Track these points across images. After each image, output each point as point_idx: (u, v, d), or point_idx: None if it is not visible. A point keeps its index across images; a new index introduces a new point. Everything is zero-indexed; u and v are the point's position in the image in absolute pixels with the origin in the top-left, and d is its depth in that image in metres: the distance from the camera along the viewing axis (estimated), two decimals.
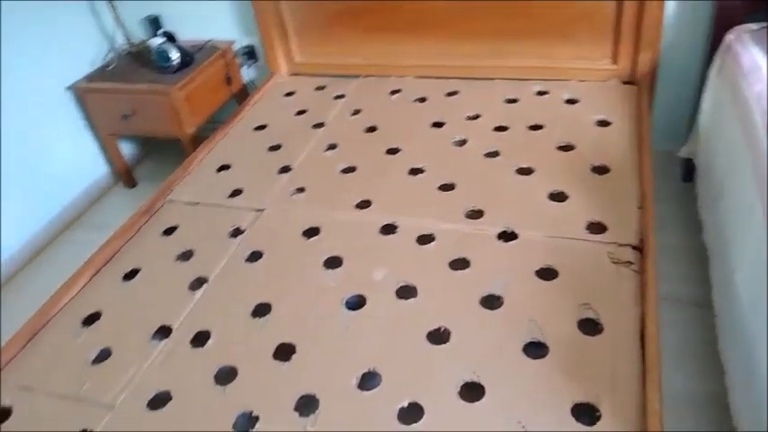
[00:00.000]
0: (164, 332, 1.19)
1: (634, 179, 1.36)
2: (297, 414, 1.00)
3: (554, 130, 1.57)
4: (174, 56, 1.89)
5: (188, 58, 1.94)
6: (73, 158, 2.12)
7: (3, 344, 1.22)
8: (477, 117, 1.69)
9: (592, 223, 1.27)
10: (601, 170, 1.42)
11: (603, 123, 1.58)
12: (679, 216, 1.72)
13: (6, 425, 1.07)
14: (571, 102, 1.69)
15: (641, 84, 1.71)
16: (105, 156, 2.21)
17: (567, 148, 1.51)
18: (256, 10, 1.95)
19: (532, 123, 1.61)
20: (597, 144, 1.50)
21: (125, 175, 2.21)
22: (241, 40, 2.13)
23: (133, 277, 1.34)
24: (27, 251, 1.97)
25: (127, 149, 2.27)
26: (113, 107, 1.98)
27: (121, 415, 1.05)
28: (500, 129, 1.62)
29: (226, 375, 1.09)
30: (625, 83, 1.73)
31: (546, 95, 1.73)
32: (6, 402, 1.11)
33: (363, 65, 1.97)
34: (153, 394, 1.07)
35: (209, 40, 2.09)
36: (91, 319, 1.26)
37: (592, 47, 1.73)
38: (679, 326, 1.45)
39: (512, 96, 1.75)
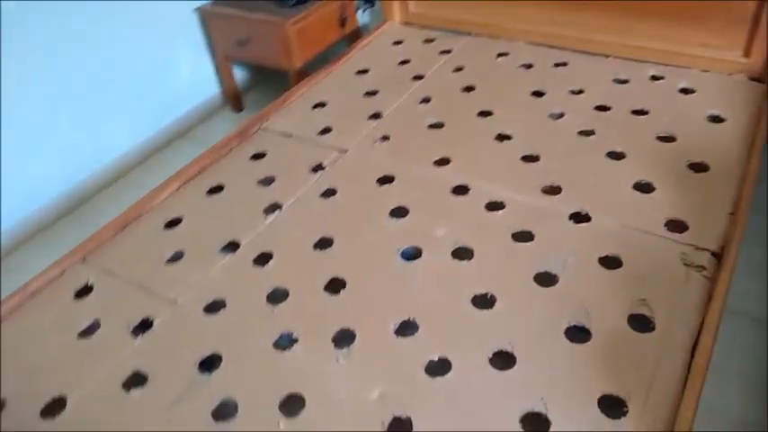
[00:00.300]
0: (232, 247, 1.28)
1: (732, 183, 1.27)
2: (333, 345, 1.05)
3: (659, 119, 1.48)
4: None
5: None
6: (190, 76, 2.26)
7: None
8: (580, 92, 1.62)
9: (673, 221, 1.21)
10: (699, 167, 1.33)
11: (716, 119, 1.47)
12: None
13: (87, 299, 1.21)
14: (686, 91, 1.57)
15: None
16: (219, 78, 2.33)
17: (668, 139, 1.42)
18: None
19: (638, 108, 1.52)
20: (703, 140, 1.40)
21: (233, 99, 2.33)
22: None
23: (216, 193, 1.44)
24: (139, 153, 2.15)
25: (239, 75, 2.39)
26: (232, 32, 2.09)
27: (180, 312, 1.15)
28: (602, 108, 1.54)
29: (277, 296, 1.16)
30: (752, 79, 1.59)
31: (660, 81, 1.62)
32: (91, 281, 1.25)
33: (476, 23, 1.93)
34: (211, 300, 1.17)
35: None
36: (172, 224, 1.37)
37: (723, 35, 1.59)
38: (738, 342, 1.36)
39: (623, 77, 1.65)
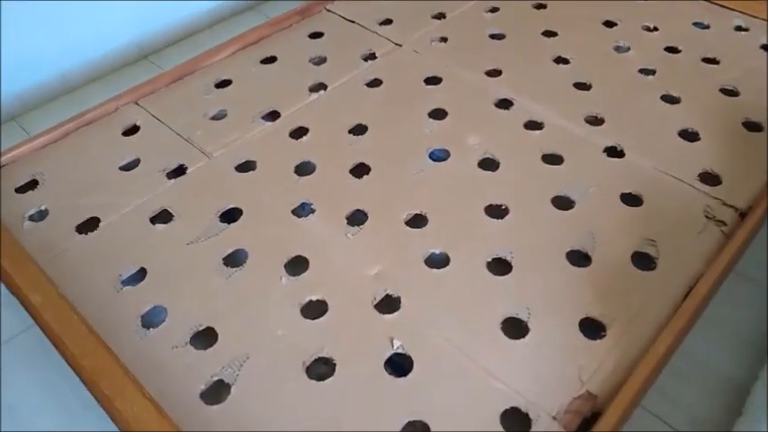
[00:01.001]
0: (272, 116, 1.33)
1: None
2: (346, 221, 1.11)
3: (729, 70, 1.41)
4: None
5: None
6: None
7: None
8: (654, 29, 1.55)
9: (708, 173, 1.18)
10: (753, 126, 1.28)
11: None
12: None
13: (133, 138, 1.30)
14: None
15: None
16: None
17: (731, 92, 1.36)
18: None
19: (709, 56, 1.45)
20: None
21: None
22: None
23: (269, 63, 1.48)
24: (210, 16, 2.19)
25: None
26: None
27: (213, 165, 1.23)
28: (672, 50, 1.48)
29: (305, 169, 1.22)
30: None
31: (743, 32, 1.53)
32: (139, 122, 1.33)
33: None
34: (243, 160, 1.23)
35: None
36: (223, 84, 1.42)
37: None
38: (747, 308, 1.35)
39: (705, 21, 1.57)
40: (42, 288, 0.99)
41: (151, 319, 0.99)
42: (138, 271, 1.05)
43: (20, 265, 1.03)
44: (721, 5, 1.61)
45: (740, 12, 1.58)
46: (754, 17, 1.57)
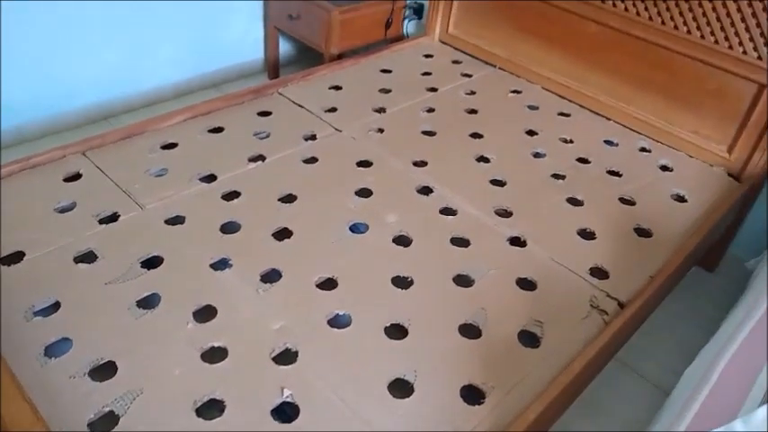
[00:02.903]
0: (209, 178, 1.43)
1: (666, 253, 1.36)
2: (259, 278, 1.18)
3: (629, 184, 1.58)
4: None
5: None
6: (241, 35, 2.44)
7: None
8: (570, 142, 1.73)
9: (598, 268, 1.31)
10: (643, 233, 1.42)
11: (681, 199, 1.56)
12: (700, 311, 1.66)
13: (74, 184, 1.37)
14: (665, 168, 1.67)
15: (745, 183, 1.64)
16: (265, 45, 2.51)
17: (629, 202, 1.52)
18: None
19: (614, 169, 1.63)
20: (659, 212, 1.49)
21: (272, 68, 2.50)
22: None
23: (216, 132, 1.60)
24: (172, 90, 2.33)
25: (284, 47, 2.56)
26: (286, 5, 2.25)
27: (145, 216, 1.30)
28: (582, 160, 1.65)
29: (230, 227, 1.30)
30: (730, 175, 1.67)
31: (646, 153, 1.72)
32: (82, 170, 1.41)
33: (504, 59, 2.05)
34: (173, 214, 1.31)
35: None
36: (168, 147, 1.53)
37: (715, 127, 1.69)
38: (629, 396, 1.44)
39: (615, 140, 1.76)
40: None
41: (56, 351, 1.02)
42: (53, 305, 1.09)
43: None
44: (631, 129, 1.81)
45: (647, 136, 1.79)
46: (658, 141, 1.77)
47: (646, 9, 1.70)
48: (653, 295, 1.26)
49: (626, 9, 1.74)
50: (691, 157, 1.72)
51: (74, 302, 1.10)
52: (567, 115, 1.86)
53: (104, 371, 1.00)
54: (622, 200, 1.53)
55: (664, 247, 1.38)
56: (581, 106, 1.90)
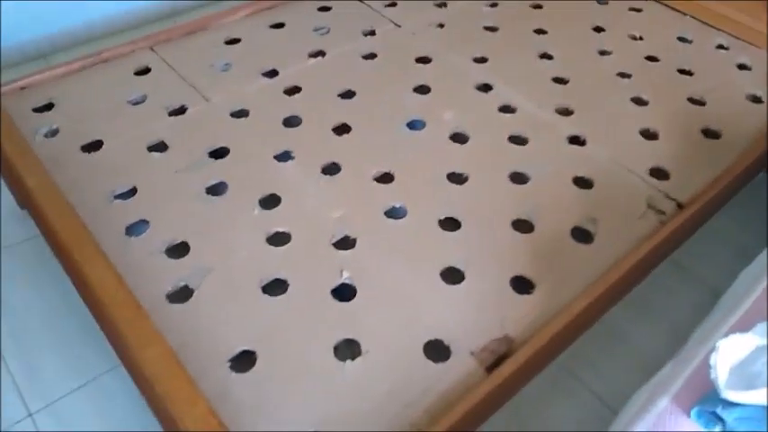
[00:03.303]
0: (271, 74, 1.46)
1: (733, 155, 1.32)
2: (320, 170, 1.23)
3: (701, 83, 1.50)
4: None
5: None
6: None
7: None
8: (639, 39, 1.65)
9: (659, 168, 1.29)
10: (711, 134, 1.38)
11: (756, 99, 1.48)
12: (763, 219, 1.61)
13: (143, 78, 1.43)
14: (742, 67, 1.57)
15: None
16: None
17: (698, 102, 1.46)
18: None
19: (685, 68, 1.55)
20: (730, 114, 1.42)
21: None
22: None
23: (277, 28, 1.61)
24: None
25: None
26: None
27: (211, 109, 1.36)
28: (651, 59, 1.58)
29: (292, 122, 1.34)
30: None
31: (723, 51, 1.62)
32: (151, 65, 1.46)
33: None
34: (238, 108, 1.36)
35: None
36: (231, 42, 1.55)
37: None
38: (681, 297, 1.44)
39: (689, 37, 1.66)
40: (37, 173, 1.11)
41: (136, 231, 1.11)
42: (131, 189, 1.18)
43: (20, 150, 1.14)
44: (709, 25, 1.70)
45: (726, 32, 1.68)
46: (738, 38, 1.66)
47: None
48: (714, 198, 1.24)
49: None
50: None
51: (149, 188, 1.18)
52: (639, 10, 1.76)
53: (179, 250, 1.08)
54: (691, 99, 1.47)
55: (731, 149, 1.34)
56: (655, 0, 1.78)
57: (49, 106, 1.34)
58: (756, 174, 1.42)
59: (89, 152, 1.24)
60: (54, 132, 1.28)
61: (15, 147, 1.07)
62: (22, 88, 1.37)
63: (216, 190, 1.19)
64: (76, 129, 1.29)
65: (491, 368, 0.95)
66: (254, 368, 0.93)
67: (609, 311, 1.18)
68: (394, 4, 1.71)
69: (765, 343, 0.70)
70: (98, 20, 2.07)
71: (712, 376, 0.70)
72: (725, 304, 1.02)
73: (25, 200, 1.10)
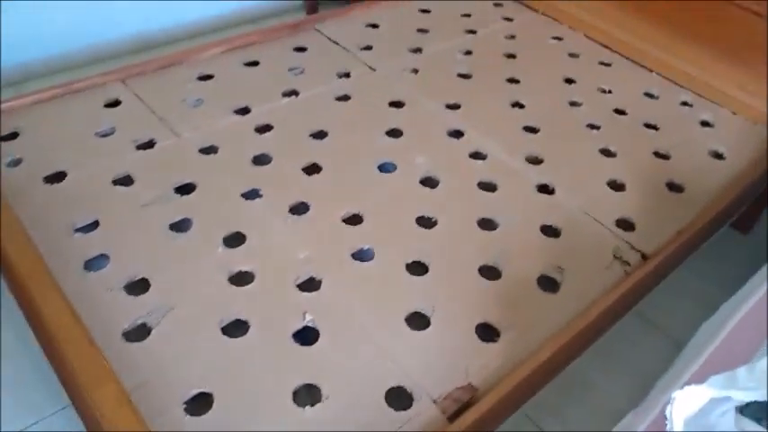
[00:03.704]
0: (243, 111, 1.46)
1: (696, 209, 1.34)
2: (288, 209, 1.22)
3: (666, 138, 1.54)
4: None
5: None
6: None
7: None
8: (608, 92, 1.69)
9: (625, 220, 1.30)
10: (675, 188, 1.40)
11: (718, 156, 1.52)
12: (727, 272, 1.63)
13: (113, 110, 1.41)
14: (705, 124, 1.62)
15: None
16: None
17: (663, 156, 1.49)
18: None
19: (651, 123, 1.59)
20: (694, 169, 1.45)
21: (311, 6, 2.48)
22: None
23: (251, 66, 1.62)
24: (210, 24, 2.34)
25: None
26: None
27: (180, 144, 1.34)
28: (619, 111, 1.62)
29: (262, 159, 1.33)
30: None
31: (686, 107, 1.67)
32: (121, 98, 1.45)
33: (548, 3, 2.00)
34: (208, 144, 1.35)
35: None
36: (205, 78, 1.55)
37: (761, 82, 1.63)
38: (643, 347, 1.45)
39: (655, 93, 1.71)
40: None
41: (95, 265, 1.08)
42: (92, 223, 1.15)
43: None
44: (674, 82, 1.76)
45: (689, 90, 1.73)
46: (700, 96, 1.72)
47: None
48: (678, 250, 1.26)
49: None
50: (734, 114, 1.66)
51: (112, 222, 1.15)
52: (608, 65, 1.81)
53: (139, 287, 1.05)
54: (657, 153, 1.50)
55: (695, 203, 1.37)
56: (623, 56, 1.84)
57: (14, 135, 1.32)
58: (719, 228, 1.45)
59: (51, 183, 1.22)
60: (17, 162, 1.26)
61: None
62: None
63: (180, 226, 1.16)
64: (40, 159, 1.26)
65: (453, 417, 0.93)
66: (210, 411, 0.90)
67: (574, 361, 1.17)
68: (369, 48, 1.73)
69: (718, 395, 0.70)
70: (75, 50, 2.07)
71: (668, 428, 0.70)
72: (686, 355, 1.03)
73: None
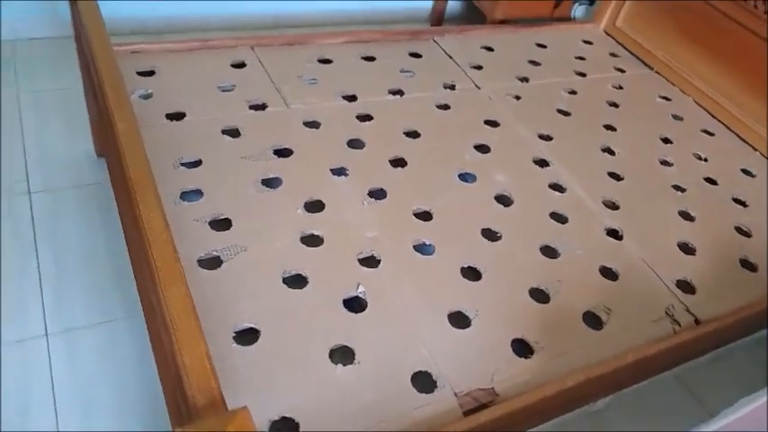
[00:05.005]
0: (351, 98, 1.57)
1: (764, 291, 1.33)
2: (367, 193, 1.31)
3: (750, 215, 1.52)
4: None
5: None
6: None
7: None
8: (704, 160, 1.68)
9: (686, 282, 1.31)
10: (748, 265, 1.39)
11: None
12: None
13: (237, 71, 1.57)
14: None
15: None
16: None
17: (744, 233, 1.47)
18: None
19: (741, 198, 1.57)
20: None
21: (437, 19, 2.60)
22: None
23: (368, 60, 1.73)
24: (344, 16, 2.50)
25: (453, 4, 2.64)
26: None
27: (288, 113, 1.47)
28: (710, 181, 1.61)
29: (356, 144, 1.44)
30: None
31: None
32: (247, 61, 1.60)
33: (662, 61, 2.00)
34: (312, 119, 1.47)
35: None
36: (324, 61, 1.68)
37: None
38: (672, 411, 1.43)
39: (754, 171, 1.68)
40: (128, 120, 1.20)
41: (189, 197, 1.21)
42: (196, 161, 1.29)
43: (119, 99, 1.24)
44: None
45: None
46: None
47: None
48: (733, 324, 1.25)
49: None
50: None
51: (213, 164, 1.29)
52: (712, 134, 1.80)
53: (222, 224, 1.18)
54: (738, 229, 1.49)
55: (763, 285, 1.35)
56: (729, 128, 1.83)
57: (151, 72, 1.49)
58: None
59: (172, 120, 1.37)
60: (148, 96, 1.42)
61: (116, 95, 1.19)
62: (133, 52, 1.53)
63: (270, 183, 1.28)
64: (168, 98, 1.42)
65: (468, 413, 0.99)
66: (255, 345, 1.00)
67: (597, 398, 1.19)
68: (479, 68, 1.81)
69: None
70: (214, 16, 2.27)
71: None
72: (713, 422, 1.03)
73: (109, 144, 1.21)
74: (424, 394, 0.99)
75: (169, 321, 0.76)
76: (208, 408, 0.68)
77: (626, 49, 2.11)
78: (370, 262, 1.18)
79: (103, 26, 1.30)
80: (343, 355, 1.03)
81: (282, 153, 1.36)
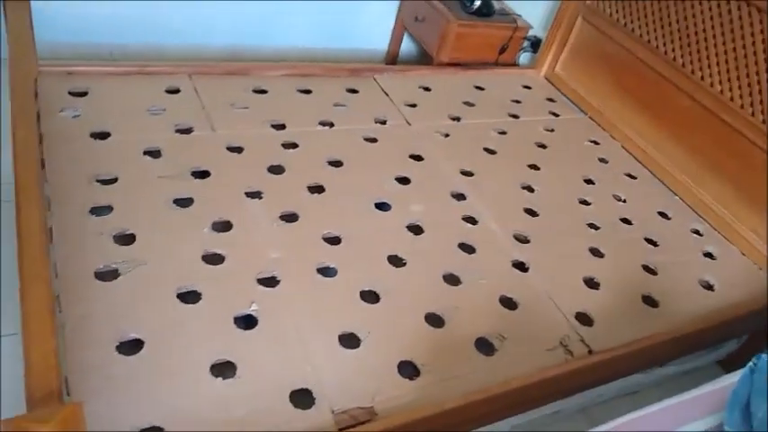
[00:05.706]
0: (280, 127, 1.63)
1: (662, 326, 1.36)
2: (279, 216, 1.35)
3: (661, 255, 1.57)
4: (477, 3, 2.24)
5: (486, 11, 2.27)
6: (372, 22, 2.62)
7: None
8: (623, 201, 1.74)
9: (585, 314, 1.35)
10: (650, 302, 1.43)
11: (709, 287, 1.54)
12: None
13: (170, 96, 1.62)
14: (709, 255, 1.64)
15: None
16: (390, 39, 2.69)
17: (651, 271, 1.52)
18: (560, 8, 2.19)
19: (653, 239, 1.63)
20: (679, 290, 1.48)
21: (391, 61, 2.68)
22: (536, 31, 2.39)
23: (305, 93, 1.79)
24: (301, 51, 2.57)
25: (406, 46, 2.73)
26: (416, 7, 2.42)
27: (213, 138, 1.52)
28: (626, 221, 1.67)
29: (276, 169, 1.48)
30: None
31: (696, 236, 1.70)
32: (182, 88, 1.66)
33: (595, 108, 2.09)
34: (235, 145, 1.52)
35: (518, 15, 2.38)
36: (259, 92, 1.74)
37: None
38: None
39: (670, 214, 1.75)
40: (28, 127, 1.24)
41: (99, 212, 1.25)
42: (113, 178, 1.33)
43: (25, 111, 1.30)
44: (692, 209, 1.79)
45: (705, 220, 1.76)
46: (715, 229, 1.73)
47: (740, 96, 1.68)
48: (626, 356, 1.28)
49: (721, 92, 1.72)
50: (743, 254, 1.68)
51: (128, 182, 1.32)
52: (634, 177, 1.87)
53: (125, 239, 1.21)
54: (646, 267, 1.53)
55: (662, 321, 1.39)
56: (652, 174, 1.90)
57: (84, 93, 1.54)
58: (679, 354, 1.44)
59: (96, 138, 1.41)
60: (76, 115, 1.47)
61: (21, 104, 1.24)
62: (69, 73, 1.58)
63: (182, 202, 1.32)
64: (96, 117, 1.47)
65: (344, 430, 1.01)
66: (136, 356, 1.02)
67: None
68: (413, 105, 1.88)
69: None
70: (168, 44, 2.34)
71: None
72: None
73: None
74: (300, 410, 1.01)
75: (22, 317, 0.78)
76: (44, 400, 0.70)
77: (563, 94, 2.20)
78: (270, 282, 1.21)
79: (31, 40, 1.35)
80: (226, 369, 1.05)
81: (200, 175, 1.40)
